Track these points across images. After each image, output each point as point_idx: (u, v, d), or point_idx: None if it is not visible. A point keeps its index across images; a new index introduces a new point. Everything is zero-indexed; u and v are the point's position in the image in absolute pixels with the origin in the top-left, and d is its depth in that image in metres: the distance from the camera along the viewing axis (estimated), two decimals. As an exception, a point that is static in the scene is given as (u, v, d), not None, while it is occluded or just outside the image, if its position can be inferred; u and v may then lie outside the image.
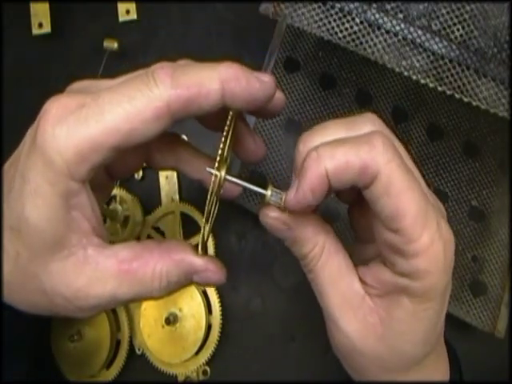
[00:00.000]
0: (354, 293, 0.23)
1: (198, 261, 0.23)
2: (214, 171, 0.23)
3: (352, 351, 0.23)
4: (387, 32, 0.27)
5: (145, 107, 0.20)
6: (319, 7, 0.28)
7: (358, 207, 0.25)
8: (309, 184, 0.21)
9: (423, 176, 0.23)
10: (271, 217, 0.23)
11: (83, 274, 0.21)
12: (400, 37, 0.27)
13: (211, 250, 0.40)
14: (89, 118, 0.20)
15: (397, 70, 0.27)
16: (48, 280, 0.21)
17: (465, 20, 0.27)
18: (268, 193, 0.23)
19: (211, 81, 0.21)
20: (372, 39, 0.27)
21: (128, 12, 0.45)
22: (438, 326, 0.23)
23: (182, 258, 0.23)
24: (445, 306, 0.23)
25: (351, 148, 0.20)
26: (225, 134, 0.23)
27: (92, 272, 0.22)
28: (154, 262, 0.22)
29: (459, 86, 0.26)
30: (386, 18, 0.27)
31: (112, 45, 0.42)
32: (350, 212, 0.26)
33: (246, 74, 0.21)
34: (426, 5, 0.27)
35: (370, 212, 0.22)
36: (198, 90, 0.20)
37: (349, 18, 0.28)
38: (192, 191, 0.42)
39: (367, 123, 0.22)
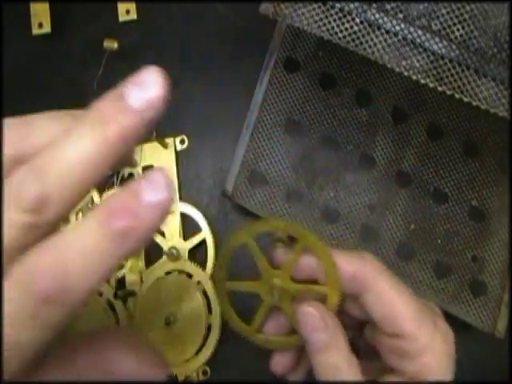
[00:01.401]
0: None
1: None
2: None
3: None
4: (387, 32, 0.27)
5: None
6: (319, 7, 0.28)
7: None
8: None
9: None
10: (314, 306, 0.23)
11: None
12: (400, 37, 0.27)
13: (211, 250, 0.40)
14: None
15: (397, 70, 0.27)
16: None
17: (465, 20, 0.27)
18: None
19: None
20: (372, 39, 0.27)
21: (128, 12, 0.45)
22: None
23: None
24: None
25: (347, 256, 0.23)
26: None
27: None
28: None
29: (459, 86, 0.26)
30: (386, 18, 0.27)
31: (112, 45, 0.42)
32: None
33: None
34: (426, 5, 0.27)
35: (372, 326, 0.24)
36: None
37: (349, 17, 0.28)
38: (192, 191, 0.42)
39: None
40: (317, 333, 0.22)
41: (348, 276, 0.23)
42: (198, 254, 0.41)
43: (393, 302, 0.22)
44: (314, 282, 0.24)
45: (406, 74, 0.27)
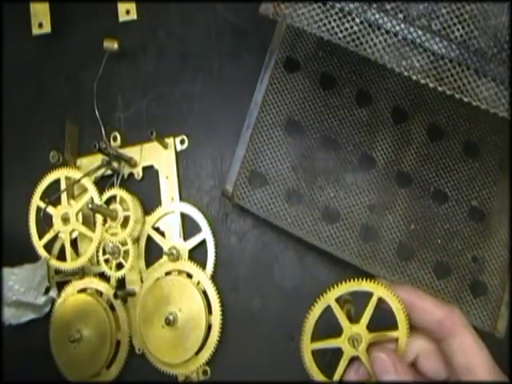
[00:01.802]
0: None
1: None
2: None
3: None
4: (387, 32, 0.27)
5: None
6: (319, 7, 0.28)
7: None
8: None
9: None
10: (385, 351, 0.26)
11: None
12: (400, 37, 0.27)
13: (211, 250, 0.40)
14: None
15: (397, 70, 0.27)
16: None
17: (465, 20, 0.27)
18: None
19: None
20: (372, 39, 0.27)
21: (128, 12, 0.45)
22: None
23: None
24: None
25: (437, 302, 0.26)
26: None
27: None
28: None
29: (459, 86, 0.26)
30: (386, 18, 0.27)
31: (112, 45, 0.42)
32: None
33: None
34: (426, 5, 0.27)
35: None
36: None
37: (349, 18, 0.28)
38: (192, 191, 0.42)
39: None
40: (387, 374, 0.26)
41: (436, 320, 0.26)
42: (198, 253, 0.41)
43: (474, 352, 0.25)
44: (388, 328, 0.27)
45: (405, 74, 0.27)
